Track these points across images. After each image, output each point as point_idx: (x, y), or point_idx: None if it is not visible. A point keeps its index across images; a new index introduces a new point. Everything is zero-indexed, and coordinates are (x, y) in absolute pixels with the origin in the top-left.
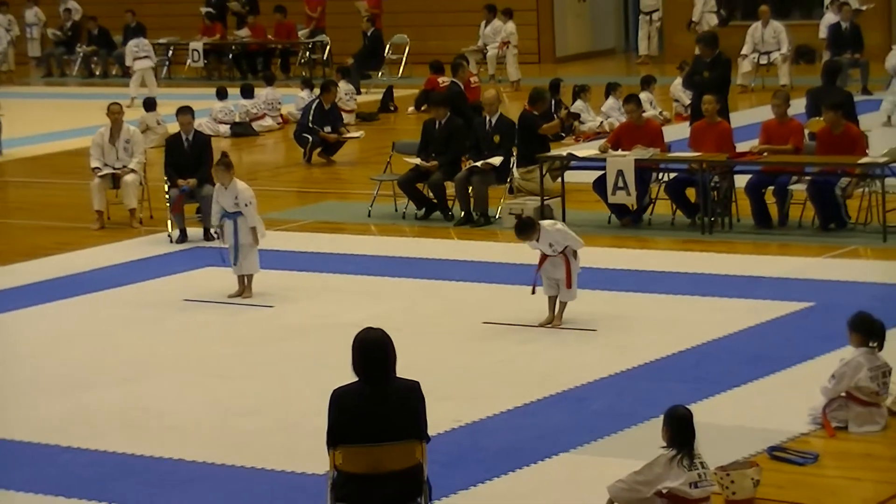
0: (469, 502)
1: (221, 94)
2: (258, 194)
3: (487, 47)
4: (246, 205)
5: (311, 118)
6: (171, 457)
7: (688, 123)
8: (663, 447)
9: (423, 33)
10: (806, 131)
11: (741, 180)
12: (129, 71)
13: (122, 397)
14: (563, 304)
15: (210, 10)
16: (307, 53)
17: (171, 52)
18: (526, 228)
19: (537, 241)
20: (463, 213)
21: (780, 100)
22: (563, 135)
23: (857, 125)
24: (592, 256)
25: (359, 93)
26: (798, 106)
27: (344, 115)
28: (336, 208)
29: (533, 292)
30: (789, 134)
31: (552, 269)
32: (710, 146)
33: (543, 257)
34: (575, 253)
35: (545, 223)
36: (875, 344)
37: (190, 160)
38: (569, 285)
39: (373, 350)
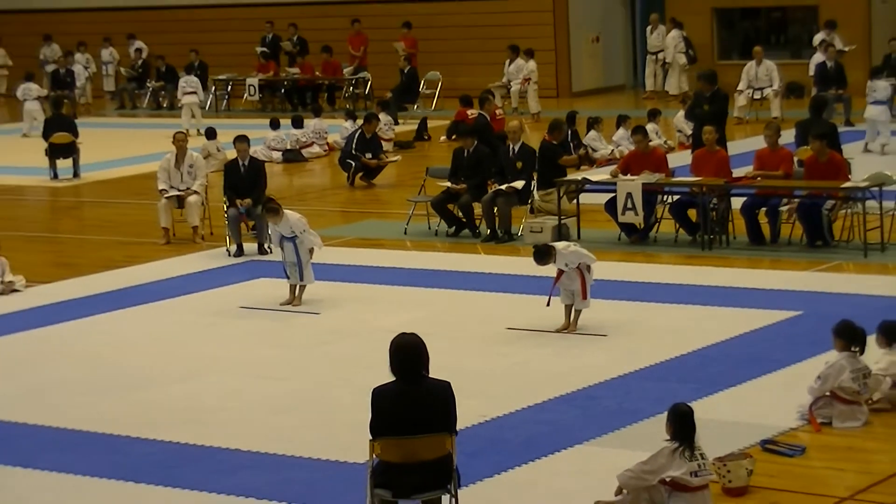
0: (493, 489)
1: (274, 125)
2: (309, 216)
3: (511, 83)
4: (302, 232)
5: (354, 146)
6: (227, 447)
7: (689, 151)
8: (667, 440)
9: (454, 71)
10: (795, 159)
11: (737, 202)
12: (178, 104)
13: (184, 394)
14: (578, 313)
15: (265, 49)
16: (351, 88)
17: (230, 87)
18: (543, 255)
19: (554, 263)
20: (489, 230)
21: (771, 131)
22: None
23: (841, 153)
24: (603, 270)
25: (396, 123)
26: (788, 136)
27: (383, 143)
28: (376, 226)
29: (548, 304)
30: (780, 161)
31: (568, 282)
32: (710, 172)
33: (560, 272)
34: (589, 267)
35: (559, 246)
36: (857, 349)
37: (246, 183)
38: (584, 296)
39: (408, 352)
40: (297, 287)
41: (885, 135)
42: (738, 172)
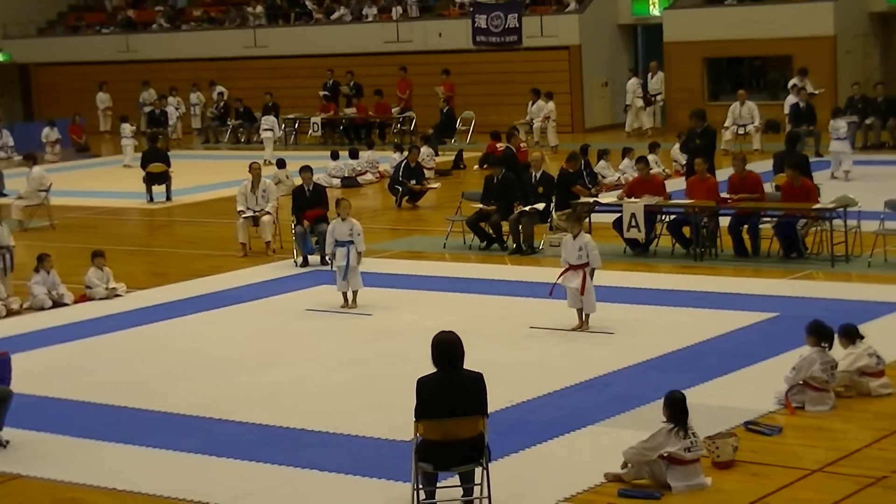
0: (519, 463)
1: (334, 156)
2: (363, 233)
3: (533, 121)
4: (358, 234)
5: (400, 174)
6: (297, 427)
7: (684, 178)
8: (664, 422)
9: (485, 110)
10: (773, 184)
11: (724, 221)
12: (257, 139)
13: (260, 382)
14: (588, 315)
15: (326, 93)
16: (398, 125)
17: (297, 125)
18: (575, 218)
19: (574, 237)
20: (515, 245)
21: (738, 161)
22: (590, 188)
23: (812, 179)
24: (611, 278)
25: (437, 155)
26: (767, 165)
27: (425, 171)
28: (419, 241)
29: (549, 294)
30: (748, 184)
31: (571, 279)
32: (701, 195)
33: (565, 270)
34: (593, 272)
35: (587, 236)
36: (826, 344)
37: (310, 205)
38: (582, 292)
39: (446, 347)
40: (353, 292)
41: (846, 164)
42: (724, 195)
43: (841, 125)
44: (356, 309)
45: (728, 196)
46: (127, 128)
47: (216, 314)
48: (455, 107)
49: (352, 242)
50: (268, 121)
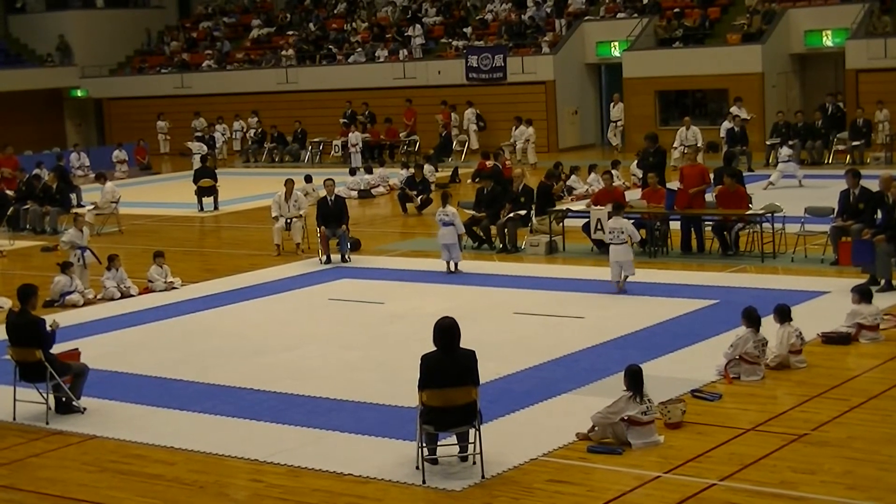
0: (505, 425)
1: (352, 172)
2: (376, 236)
3: (516, 142)
4: (455, 218)
5: (406, 186)
6: (319, 395)
7: (640, 189)
8: (624, 390)
9: (477, 134)
10: (713, 195)
11: (675, 224)
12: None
13: (290, 359)
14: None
15: (346, 120)
16: (405, 147)
17: (321, 146)
18: (619, 208)
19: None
20: (501, 245)
21: (691, 151)
22: (563, 195)
23: (745, 189)
24: (580, 271)
25: (437, 171)
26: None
27: (430, 185)
28: (423, 242)
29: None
30: (698, 172)
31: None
32: (654, 203)
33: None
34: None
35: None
36: (757, 326)
37: (333, 213)
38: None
39: (446, 330)
40: (451, 262)
41: (775, 178)
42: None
43: (790, 151)
44: (368, 296)
45: (679, 187)
46: (196, 146)
47: (255, 303)
48: (451, 131)
49: (453, 224)
50: (355, 136)
